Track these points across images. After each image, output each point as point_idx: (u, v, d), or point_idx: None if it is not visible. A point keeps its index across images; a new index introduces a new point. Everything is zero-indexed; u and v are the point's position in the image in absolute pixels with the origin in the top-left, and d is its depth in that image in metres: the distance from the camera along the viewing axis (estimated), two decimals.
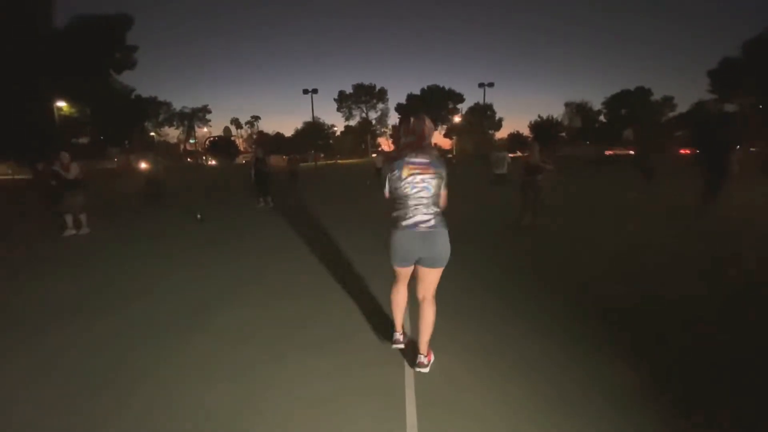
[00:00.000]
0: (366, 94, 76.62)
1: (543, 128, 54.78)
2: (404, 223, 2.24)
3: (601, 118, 61.91)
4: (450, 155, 56.21)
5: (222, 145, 66.26)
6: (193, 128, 69.44)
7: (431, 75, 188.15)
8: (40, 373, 2.51)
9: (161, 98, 61.57)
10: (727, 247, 5.19)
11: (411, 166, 2.21)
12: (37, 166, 18.93)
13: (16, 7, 24.02)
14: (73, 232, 6.94)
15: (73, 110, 30.15)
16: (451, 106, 71.04)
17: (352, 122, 77.95)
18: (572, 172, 18.36)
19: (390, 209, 2.38)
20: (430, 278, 2.35)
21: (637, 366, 2.40)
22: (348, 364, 2.50)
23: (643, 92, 58.37)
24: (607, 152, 40.59)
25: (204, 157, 67.61)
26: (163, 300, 3.73)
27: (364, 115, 77.77)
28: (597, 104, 62.02)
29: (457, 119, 69.02)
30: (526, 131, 60.81)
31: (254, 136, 76.17)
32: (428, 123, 2.30)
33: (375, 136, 79.00)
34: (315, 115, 53.87)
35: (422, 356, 2.37)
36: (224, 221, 8.29)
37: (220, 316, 3.30)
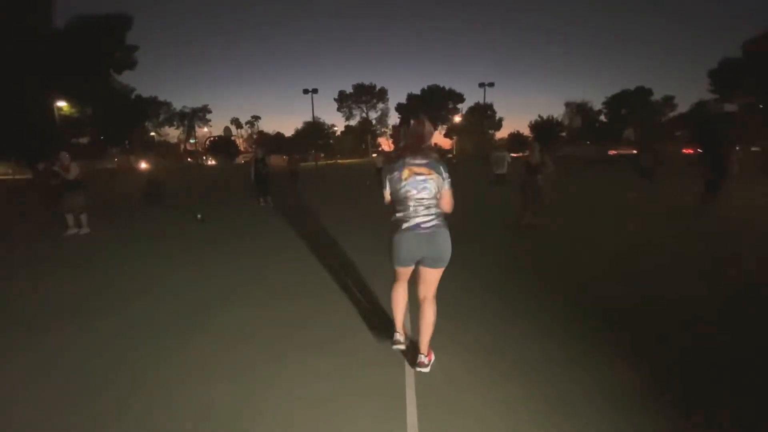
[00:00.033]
0: (366, 94, 76.59)
1: (543, 128, 54.80)
2: (405, 224, 2.25)
3: (602, 117, 61.93)
4: (450, 155, 56.19)
5: (222, 145, 66.26)
6: (194, 128, 69.37)
7: (431, 75, 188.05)
8: (40, 373, 2.51)
9: (161, 98, 61.56)
10: (727, 247, 5.19)
11: (411, 168, 2.21)
12: (38, 166, 18.95)
13: (16, 7, 24.03)
14: (75, 231, 6.95)
15: (73, 110, 30.20)
16: (451, 105, 71.03)
17: (353, 122, 78.03)
18: (572, 172, 18.35)
19: (390, 211, 2.38)
20: (432, 278, 2.36)
21: (637, 366, 2.40)
22: (348, 364, 2.51)
23: (643, 92, 58.31)
24: (611, 152, 40.51)
25: (204, 157, 67.63)
26: (163, 300, 3.73)
27: (364, 114, 77.82)
28: (597, 104, 62.19)
29: (457, 119, 69.04)
30: (526, 131, 60.91)
31: (254, 136, 76.17)
32: (427, 124, 2.30)
33: (375, 136, 78.98)
34: (315, 114, 53.89)
35: (423, 356, 2.37)
36: (224, 221, 8.29)
37: (220, 316, 3.30)
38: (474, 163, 31.86)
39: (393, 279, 2.53)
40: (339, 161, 57.95)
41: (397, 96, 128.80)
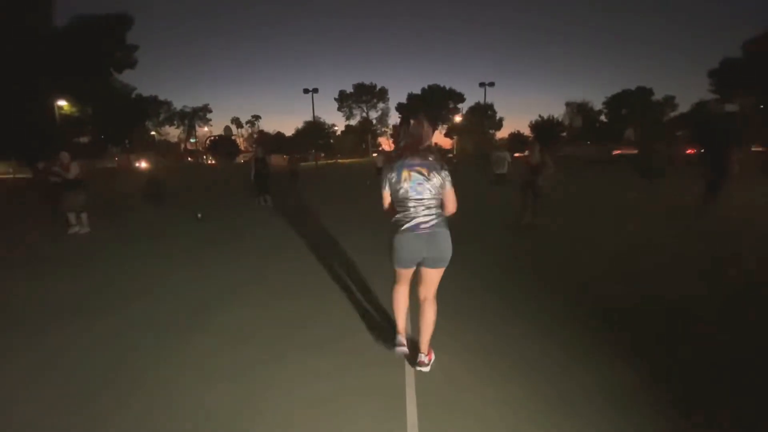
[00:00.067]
0: (366, 94, 76.57)
1: (544, 128, 54.74)
2: (406, 224, 2.24)
3: (602, 117, 61.88)
4: (450, 155, 56.17)
5: (222, 145, 66.29)
6: (194, 127, 69.52)
7: (432, 74, 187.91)
8: (40, 373, 2.51)
9: (162, 97, 61.78)
10: (727, 247, 5.18)
11: (410, 169, 2.21)
12: (38, 166, 18.95)
13: (16, 7, 24.03)
14: (77, 229, 6.95)
15: (73, 110, 30.20)
16: (451, 105, 71.01)
17: (353, 122, 78.03)
18: (572, 172, 18.34)
19: (390, 211, 2.38)
20: (432, 278, 2.36)
21: (637, 366, 2.40)
22: (348, 363, 2.51)
23: (644, 92, 58.27)
24: (615, 152, 40.48)
25: (204, 157, 67.66)
26: (163, 300, 3.73)
27: (364, 114, 77.82)
28: (598, 104, 62.10)
29: (457, 119, 68.98)
30: (526, 131, 60.83)
31: (255, 136, 76.19)
32: (426, 125, 2.29)
33: (375, 135, 79.01)
34: (315, 114, 53.49)
35: (423, 355, 2.37)
36: (224, 221, 8.29)
37: (220, 316, 3.30)
38: (475, 162, 31.83)
39: (393, 280, 2.52)
40: (339, 161, 57.92)
41: (397, 96, 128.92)
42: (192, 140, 70.00)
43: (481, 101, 56.59)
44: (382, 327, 2.99)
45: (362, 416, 2.02)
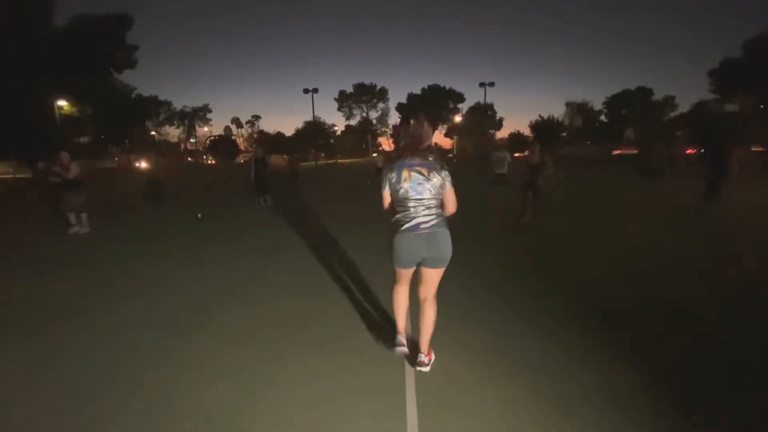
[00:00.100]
0: (367, 94, 76.56)
1: (544, 128, 54.74)
2: (406, 225, 2.24)
3: (602, 117, 61.87)
4: (450, 155, 56.16)
5: (222, 145, 66.30)
6: (194, 127, 69.53)
7: (432, 74, 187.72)
8: (40, 373, 2.51)
9: (162, 97, 61.78)
10: (727, 247, 5.18)
11: (410, 169, 2.21)
12: (38, 166, 18.95)
13: (16, 7, 24.02)
14: (77, 229, 6.95)
15: (73, 109, 30.20)
16: (451, 105, 70.97)
17: (353, 122, 78.02)
18: (572, 172, 18.34)
19: (390, 210, 2.38)
20: (433, 278, 2.36)
21: (637, 366, 2.40)
22: (348, 363, 2.51)
23: (644, 92, 58.26)
24: (616, 152, 40.54)
25: (204, 157, 67.66)
26: (162, 300, 3.73)
27: (364, 114, 77.82)
28: (598, 104, 62.07)
29: (457, 119, 68.97)
30: (526, 131, 60.83)
31: (255, 136, 76.19)
32: (426, 125, 2.29)
33: (376, 135, 78.99)
34: (315, 114, 53.46)
35: (423, 355, 2.37)
36: (224, 221, 8.29)
37: (219, 316, 3.30)
38: (475, 162, 31.83)
39: (393, 280, 2.52)
40: (339, 161, 57.92)
41: (397, 96, 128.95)
42: (192, 140, 70.03)
43: (481, 101, 56.68)
44: (382, 327, 2.99)
45: (362, 416, 2.01)
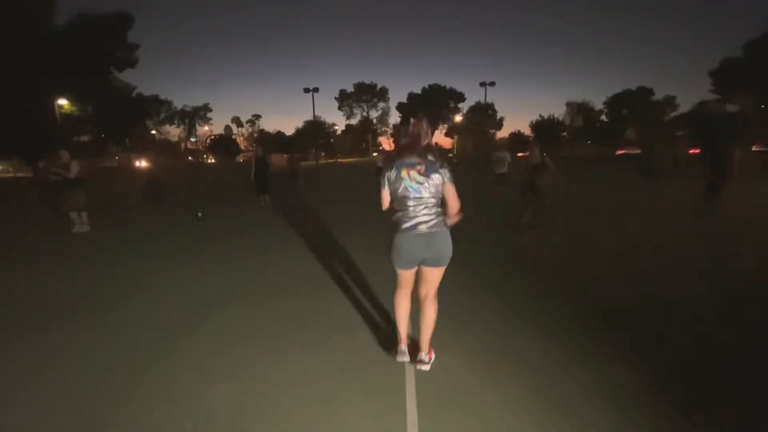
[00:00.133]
0: (367, 93, 76.52)
1: (544, 128, 54.73)
2: (405, 224, 2.24)
3: (603, 117, 61.80)
4: (451, 155, 56.14)
5: (223, 144, 66.32)
6: (194, 127, 69.53)
7: (432, 74, 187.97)
8: (40, 373, 2.51)
9: (162, 97, 61.67)
10: (727, 247, 5.18)
11: (409, 168, 2.21)
12: (39, 165, 18.97)
13: (16, 7, 24.00)
14: (79, 228, 6.95)
15: (74, 108, 30.18)
16: (452, 105, 70.96)
17: (353, 121, 77.98)
18: (572, 172, 18.33)
19: (390, 210, 2.37)
20: (433, 277, 2.35)
21: (637, 366, 2.39)
22: (348, 363, 2.51)
23: (644, 92, 58.14)
24: (619, 152, 40.57)
25: (204, 156, 67.68)
26: (162, 299, 3.73)
27: (365, 114, 77.79)
28: (598, 104, 61.90)
29: (458, 118, 68.95)
30: (527, 131, 60.82)
31: (255, 135, 76.17)
32: (426, 124, 2.28)
33: (376, 135, 78.97)
34: (316, 113, 53.41)
35: (423, 354, 2.37)
36: (224, 220, 8.30)
37: (219, 315, 3.30)
38: (475, 161, 31.80)
39: (394, 281, 2.49)
40: (339, 160, 57.90)
41: (398, 95, 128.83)
42: (192, 139, 70.03)
43: (482, 101, 56.67)
44: (382, 327, 2.99)
45: (362, 416, 2.01)
